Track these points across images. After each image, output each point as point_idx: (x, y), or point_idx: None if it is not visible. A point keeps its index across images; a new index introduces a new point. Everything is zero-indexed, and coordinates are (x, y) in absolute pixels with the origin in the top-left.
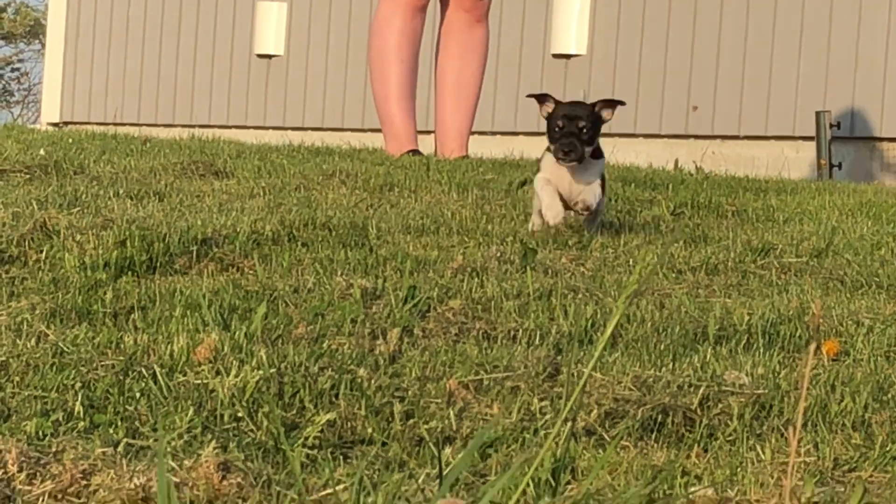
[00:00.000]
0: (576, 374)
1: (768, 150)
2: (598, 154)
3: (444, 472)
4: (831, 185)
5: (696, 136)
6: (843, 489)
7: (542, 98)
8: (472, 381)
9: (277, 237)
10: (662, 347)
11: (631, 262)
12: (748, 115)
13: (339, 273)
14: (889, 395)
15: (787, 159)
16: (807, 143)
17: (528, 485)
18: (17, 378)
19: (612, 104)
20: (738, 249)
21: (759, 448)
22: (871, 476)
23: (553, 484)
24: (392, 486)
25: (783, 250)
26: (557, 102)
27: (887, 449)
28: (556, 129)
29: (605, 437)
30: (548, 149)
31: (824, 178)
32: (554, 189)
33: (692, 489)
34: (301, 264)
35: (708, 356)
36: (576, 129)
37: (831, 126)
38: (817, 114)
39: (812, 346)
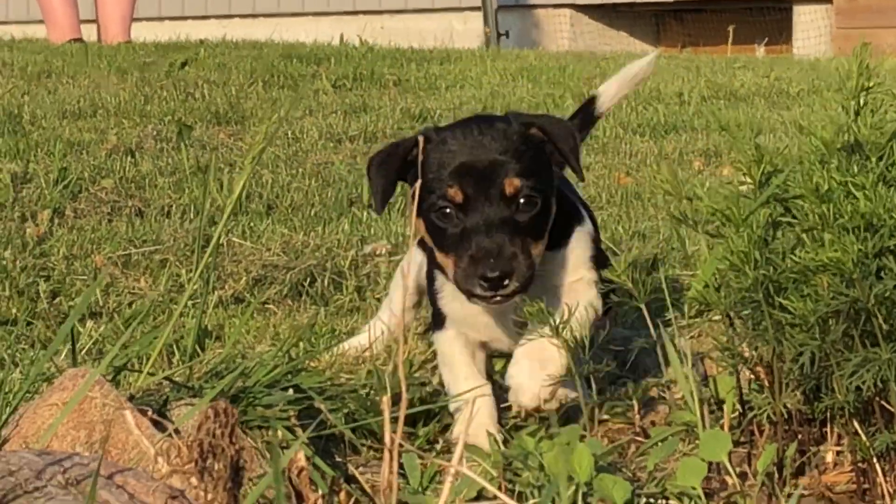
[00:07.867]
0: (225, 244)
1: (437, 22)
2: (566, 227)
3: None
4: (495, 52)
5: (364, 12)
6: None
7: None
8: (121, 257)
9: None
10: (313, 214)
11: (290, 134)
12: None
13: None
14: None
15: (455, 31)
16: (474, 14)
17: (164, 350)
18: None
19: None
20: (397, 117)
21: None
22: None
23: (199, 351)
24: (37, 363)
25: (441, 115)
26: (436, 138)
27: None
28: (452, 224)
29: (253, 303)
30: (424, 248)
31: (491, 46)
32: (464, 347)
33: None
34: None
35: (363, 219)
36: (506, 215)
37: None
38: None
39: None
